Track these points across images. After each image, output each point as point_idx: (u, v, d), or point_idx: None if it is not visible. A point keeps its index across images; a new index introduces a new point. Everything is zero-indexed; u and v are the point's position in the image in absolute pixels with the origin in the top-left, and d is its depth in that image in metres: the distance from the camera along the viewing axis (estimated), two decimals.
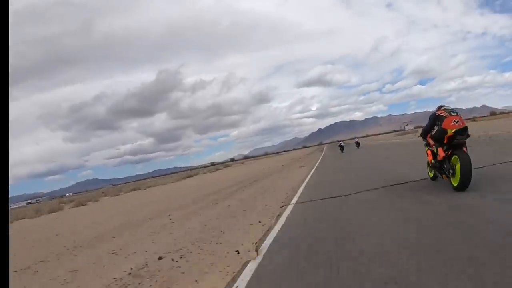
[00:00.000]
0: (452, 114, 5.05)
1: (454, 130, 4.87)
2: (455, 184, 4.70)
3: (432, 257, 2.43)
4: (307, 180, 10.27)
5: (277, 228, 4.39)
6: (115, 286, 3.38)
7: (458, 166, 4.65)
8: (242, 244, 3.86)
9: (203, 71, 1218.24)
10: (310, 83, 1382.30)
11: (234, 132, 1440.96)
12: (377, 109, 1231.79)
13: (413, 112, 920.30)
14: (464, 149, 4.93)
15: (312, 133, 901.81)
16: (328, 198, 5.95)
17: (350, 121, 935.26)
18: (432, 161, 5.54)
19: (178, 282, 3.11)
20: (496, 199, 3.77)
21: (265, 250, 3.43)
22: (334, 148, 57.46)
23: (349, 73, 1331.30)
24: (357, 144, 39.39)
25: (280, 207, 6.07)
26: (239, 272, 2.95)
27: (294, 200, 6.50)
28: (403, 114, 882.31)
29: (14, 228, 13.16)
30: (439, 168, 5.25)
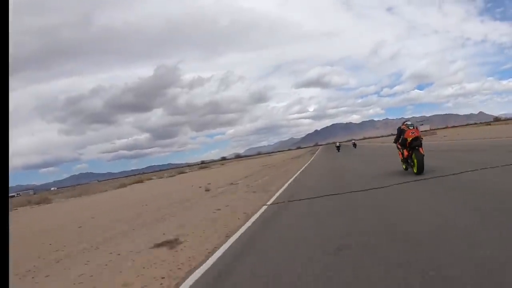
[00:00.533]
0: (410, 128, 8.37)
1: (411, 138, 8.19)
2: (415, 171, 8.10)
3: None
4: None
5: None
6: None
7: (415, 161, 8.04)
8: None
9: (202, 68, 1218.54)
10: (308, 84, 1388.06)
11: (230, 131, 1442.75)
12: (374, 112, 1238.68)
13: (410, 116, 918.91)
14: (420, 149, 8.07)
15: (309, 134, 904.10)
16: None
17: (347, 123, 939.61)
18: (402, 158, 8.89)
19: None
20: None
21: None
22: (328, 150, 56.50)
23: (347, 75, 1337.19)
24: (354, 145, 49.00)
25: None
26: None
27: None
28: (400, 118, 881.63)
29: None
30: (406, 162, 8.68)
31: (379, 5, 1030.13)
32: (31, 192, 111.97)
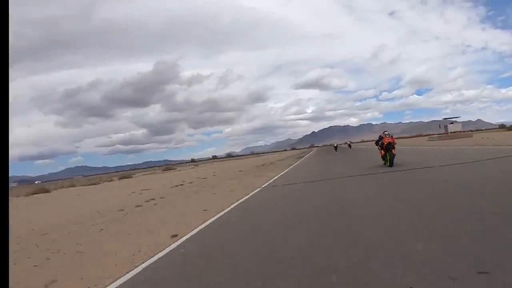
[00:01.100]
0: (387, 136, 13.21)
1: (386, 143, 12.92)
2: (388, 165, 12.71)
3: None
4: None
5: None
6: None
7: (388, 158, 12.78)
8: None
9: (201, 65, 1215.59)
10: (307, 85, 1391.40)
11: (227, 129, 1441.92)
12: (372, 116, 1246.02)
13: (408, 121, 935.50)
14: (393, 150, 12.68)
15: (306, 136, 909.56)
16: None
17: (344, 126, 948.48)
18: (381, 156, 13.59)
19: None
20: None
21: None
22: (322, 153, 52.69)
23: (347, 78, 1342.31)
24: (349, 146, 56.73)
25: None
26: None
27: None
28: (397, 123, 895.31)
29: None
30: (383, 158, 13.29)
31: (381, 9, 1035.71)
32: (15, 184, 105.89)
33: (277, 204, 7.75)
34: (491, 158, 11.14)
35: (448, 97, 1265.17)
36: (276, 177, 15.21)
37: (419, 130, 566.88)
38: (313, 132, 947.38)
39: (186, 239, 5.04)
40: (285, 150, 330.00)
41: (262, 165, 31.11)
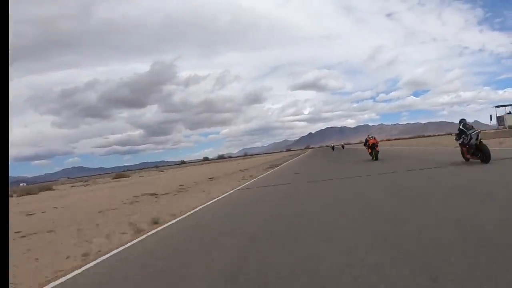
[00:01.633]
0: (371, 138, 19.46)
1: (371, 143, 18.99)
2: (374, 159, 18.32)
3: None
4: None
5: None
6: None
7: (374, 154, 18.62)
8: None
9: (198, 66, 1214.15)
10: (304, 87, 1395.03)
11: (225, 130, 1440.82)
12: (369, 117, 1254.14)
13: (405, 123, 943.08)
14: (377, 148, 18.78)
15: (303, 137, 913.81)
16: None
17: (341, 127, 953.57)
18: (369, 153, 19.32)
19: None
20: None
21: None
22: (316, 155, 44.88)
23: (344, 79, 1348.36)
24: (343, 146, 66.52)
25: None
26: None
27: None
28: (394, 124, 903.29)
29: None
30: (371, 155, 18.97)
31: (379, 10, 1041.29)
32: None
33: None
34: None
35: (445, 98, 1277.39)
36: (220, 197, 10.43)
37: (416, 132, 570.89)
38: (310, 134, 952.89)
39: None
40: (281, 151, 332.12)
41: (232, 173, 23.99)
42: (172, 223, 6.79)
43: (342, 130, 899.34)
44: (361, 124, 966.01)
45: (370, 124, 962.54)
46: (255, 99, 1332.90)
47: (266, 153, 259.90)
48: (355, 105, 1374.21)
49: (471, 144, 10.54)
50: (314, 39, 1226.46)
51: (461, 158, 11.29)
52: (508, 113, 38.29)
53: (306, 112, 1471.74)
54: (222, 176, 22.03)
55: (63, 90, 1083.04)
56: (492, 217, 4.05)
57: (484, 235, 3.40)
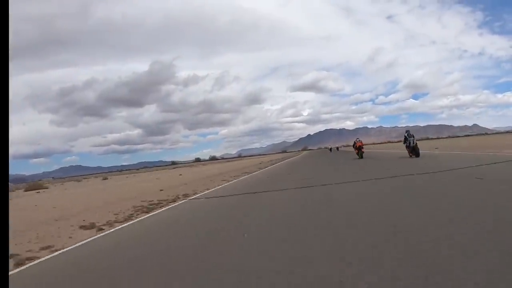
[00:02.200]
0: (358, 141, 24.52)
1: (358, 146, 23.91)
2: (360, 157, 23.00)
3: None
4: None
5: None
6: None
7: (359, 153, 23.53)
8: None
9: (197, 66, 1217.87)
10: (303, 88, 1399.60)
11: (223, 131, 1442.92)
12: (368, 119, 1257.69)
13: (404, 125, 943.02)
14: (363, 149, 23.80)
15: (301, 138, 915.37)
16: None
17: (340, 129, 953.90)
18: (356, 153, 24.23)
19: None
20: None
21: None
22: (315, 155, 58.04)
23: (343, 81, 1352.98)
24: (337, 148, 75.21)
25: None
26: None
27: None
28: (393, 127, 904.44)
29: None
30: (357, 154, 23.80)
31: (379, 12, 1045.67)
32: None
33: None
34: None
35: (444, 101, 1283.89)
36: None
37: (415, 134, 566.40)
38: (309, 135, 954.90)
39: None
40: (278, 152, 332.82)
41: (203, 178, 21.32)
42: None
43: (341, 132, 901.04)
44: (360, 127, 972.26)
45: (369, 126, 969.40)
46: (254, 100, 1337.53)
47: (260, 155, 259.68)
48: (354, 107, 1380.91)
49: (411, 146, 17.48)
50: (314, 41, 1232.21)
51: (407, 155, 18.02)
52: None
53: (305, 113, 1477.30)
54: (191, 182, 18.16)
55: (62, 88, 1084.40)
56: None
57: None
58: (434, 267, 2.58)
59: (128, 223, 6.84)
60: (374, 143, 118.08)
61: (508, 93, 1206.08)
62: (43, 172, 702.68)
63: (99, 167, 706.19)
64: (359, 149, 23.79)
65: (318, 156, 48.69)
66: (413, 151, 17.10)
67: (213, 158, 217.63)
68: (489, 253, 2.72)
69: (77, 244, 5.31)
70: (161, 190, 14.44)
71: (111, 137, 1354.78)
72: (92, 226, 6.87)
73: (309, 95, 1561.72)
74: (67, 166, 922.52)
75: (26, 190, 36.57)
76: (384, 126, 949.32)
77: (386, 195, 6.45)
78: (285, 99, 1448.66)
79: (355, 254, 3.12)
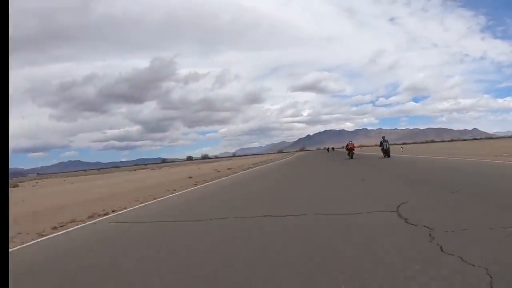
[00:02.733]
0: (350, 143, 30.02)
1: (349, 147, 29.51)
2: (350, 158, 28.25)
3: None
4: None
5: None
6: None
7: (350, 154, 28.97)
8: None
9: (198, 64, 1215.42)
10: (304, 88, 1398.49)
11: (223, 129, 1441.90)
12: (368, 121, 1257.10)
13: (404, 128, 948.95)
14: (354, 151, 29.79)
15: (301, 139, 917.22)
16: None
17: (340, 130, 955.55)
18: (347, 154, 29.42)
19: None
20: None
21: None
22: (310, 156, 60.30)
23: (344, 82, 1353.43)
24: (333, 149, 78.81)
25: None
26: None
27: None
28: (393, 129, 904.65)
29: None
30: (348, 155, 29.12)
31: (382, 14, 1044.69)
32: None
33: None
34: None
35: (444, 105, 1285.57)
36: None
37: (415, 137, 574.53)
38: (308, 136, 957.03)
39: None
40: (274, 153, 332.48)
41: (169, 182, 18.46)
42: None
43: (341, 133, 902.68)
44: (360, 128, 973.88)
45: (369, 128, 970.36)
46: (254, 99, 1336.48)
47: (255, 154, 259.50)
48: (354, 108, 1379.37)
49: (385, 149, 23.76)
50: (315, 41, 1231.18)
51: (382, 155, 24.54)
52: None
53: (305, 114, 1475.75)
54: (115, 195, 13.38)
55: (62, 83, 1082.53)
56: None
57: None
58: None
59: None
60: (362, 145, 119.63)
61: (508, 98, 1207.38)
62: (41, 166, 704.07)
63: (98, 163, 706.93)
64: (350, 150, 29.18)
65: (311, 157, 50.42)
66: (386, 152, 23.79)
67: (204, 157, 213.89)
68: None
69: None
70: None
71: (110, 133, 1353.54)
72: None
73: (309, 96, 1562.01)
74: (65, 161, 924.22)
75: None
76: (384, 128, 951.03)
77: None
78: (285, 99, 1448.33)
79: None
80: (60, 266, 4.13)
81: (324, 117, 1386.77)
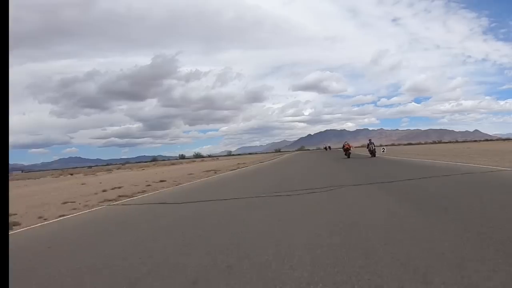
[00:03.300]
0: (346, 144, 33.47)
1: (346, 147, 32.78)
2: (347, 157, 31.59)
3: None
4: None
5: None
6: None
7: (347, 154, 32.17)
8: None
9: (200, 61, 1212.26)
10: (305, 88, 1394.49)
11: (224, 128, 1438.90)
12: (369, 121, 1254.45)
13: (405, 129, 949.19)
14: (349, 150, 32.49)
15: (302, 138, 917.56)
16: None
17: (341, 130, 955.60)
18: (344, 153, 32.89)
19: None
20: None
21: None
22: (304, 157, 54.15)
23: (346, 82, 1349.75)
24: (330, 148, 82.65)
25: None
26: None
27: None
28: (394, 130, 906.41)
29: None
30: (345, 154, 32.57)
31: (384, 15, 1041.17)
32: None
33: None
34: None
35: (446, 106, 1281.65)
36: None
37: (416, 138, 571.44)
38: (309, 135, 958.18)
39: None
40: (271, 152, 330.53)
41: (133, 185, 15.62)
42: None
43: (342, 133, 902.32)
44: (361, 128, 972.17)
45: (370, 128, 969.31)
46: (255, 97, 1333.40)
47: (251, 153, 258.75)
48: (355, 108, 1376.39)
49: (371, 149, 28.39)
50: (317, 40, 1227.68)
51: (369, 155, 28.72)
52: None
53: (306, 113, 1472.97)
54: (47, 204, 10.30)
55: (63, 79, 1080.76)
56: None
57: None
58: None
59: None
60: (354, 147, 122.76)
61: (510, 100, 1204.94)
62: (42, 162, 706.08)
63: (99, 159, 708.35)
64: (346, 150, 32.36)
65: (306, 156, 52.71)
66: (372, 153, 28.84)
67: (197, 156, 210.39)
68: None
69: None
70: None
71: (111, 129, 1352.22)
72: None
73: (311, 95, 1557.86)
74: (66, 157, 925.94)
75: None
76: (385, 128, 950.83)
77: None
78: (287, 98, 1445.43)
79: None
80: None
81: (326, 116, 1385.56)
